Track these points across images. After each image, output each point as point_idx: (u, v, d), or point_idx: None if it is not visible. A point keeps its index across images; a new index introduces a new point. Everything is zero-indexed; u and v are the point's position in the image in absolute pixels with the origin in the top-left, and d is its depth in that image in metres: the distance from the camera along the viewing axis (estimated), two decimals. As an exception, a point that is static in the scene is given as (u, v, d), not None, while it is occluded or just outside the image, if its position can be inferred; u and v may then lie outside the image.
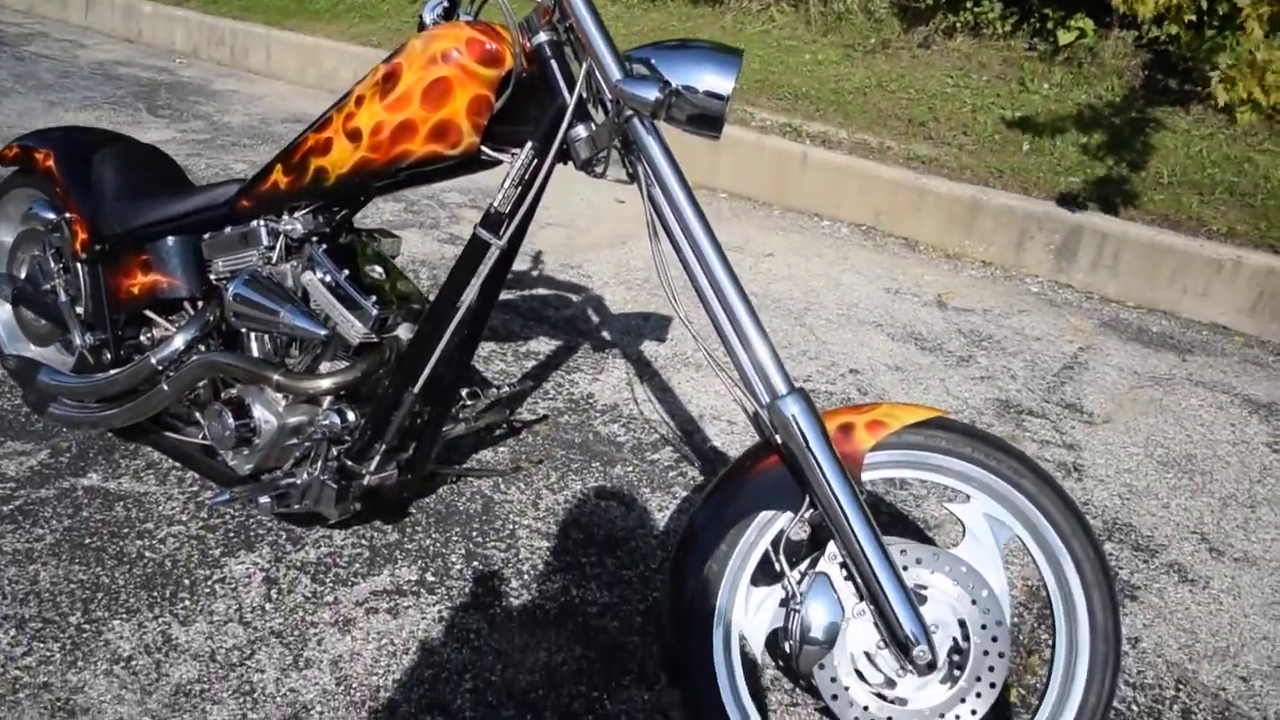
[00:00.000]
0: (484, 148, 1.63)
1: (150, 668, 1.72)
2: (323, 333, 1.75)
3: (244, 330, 1.91)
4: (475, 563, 2.05)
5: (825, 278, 3.85)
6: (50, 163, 2.17)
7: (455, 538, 2.11)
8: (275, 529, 2.09)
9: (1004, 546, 1.49)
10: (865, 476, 1.46)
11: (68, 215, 2.12)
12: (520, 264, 3.65)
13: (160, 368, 1.94)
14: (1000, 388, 3.08)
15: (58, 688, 1.66)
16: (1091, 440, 2.82)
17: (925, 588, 1.44)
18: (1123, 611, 2.12)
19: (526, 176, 1.60)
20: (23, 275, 2.34)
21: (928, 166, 4.41)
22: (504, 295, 3.34)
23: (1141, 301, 3.92)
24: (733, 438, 2.62)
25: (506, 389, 2.11)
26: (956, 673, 1.43)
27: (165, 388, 1.94)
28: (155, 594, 1.88)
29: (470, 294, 1.69)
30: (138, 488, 2.20)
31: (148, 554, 1.99)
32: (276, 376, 1.80)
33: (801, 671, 1.42)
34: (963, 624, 1.43)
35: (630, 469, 2.43)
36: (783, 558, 1.44)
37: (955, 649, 1.43)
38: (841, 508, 1.37)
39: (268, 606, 1.88)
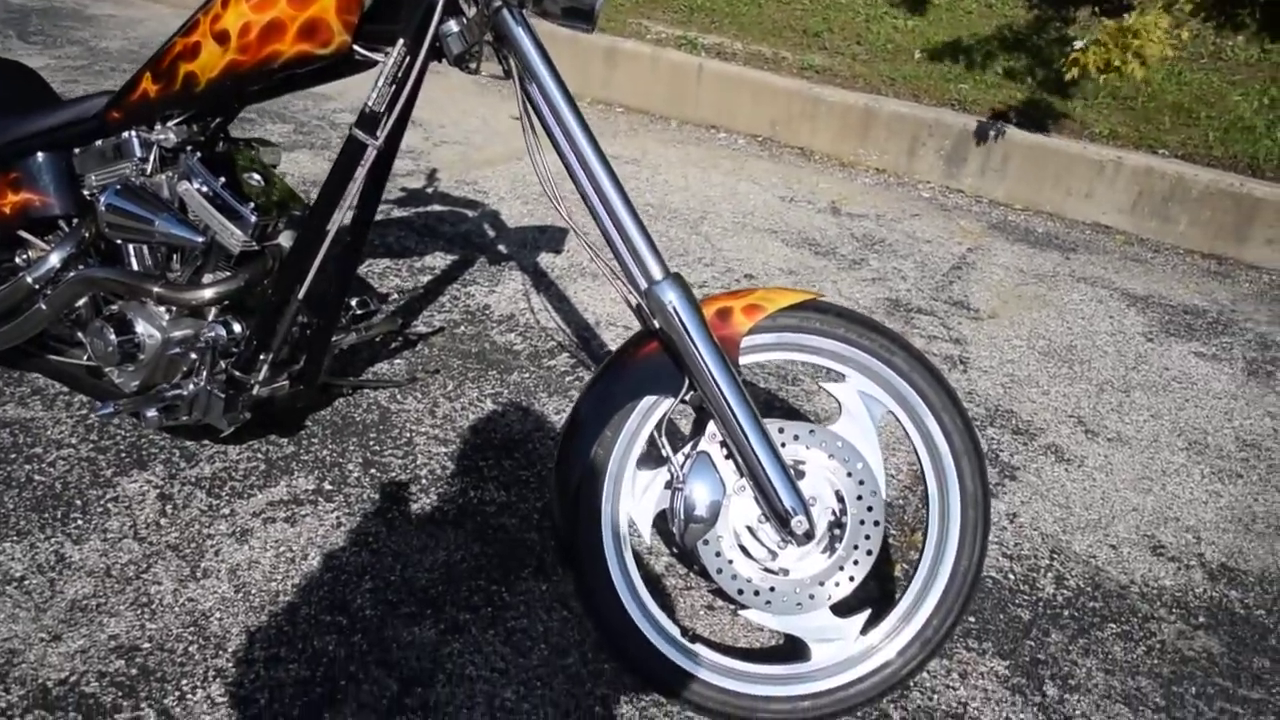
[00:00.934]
0: (356, 47, 1.60)
1: (44, 586, 1.70)
2: (200, 239, 1.72)
3: (122, 244, 1.86)
4: (373, 470, 2.06)
5: (722, 188, 3.88)
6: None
7: (352, 448, 2.12)
8: (168, 447, 2.07)
9: (878, 422, 1.56)
10: (743, 360, 1.51)
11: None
12: (415, 181, 3.60)
13: (37, 287, 1.89)
14: (891, 288, 3.17)
15: (-54, 610, 1.64)
16: (977, 334, 2.93)
17: (803, 463, 1.50)
18: (1003, 490, 2.23)
19: (400, 74, 1.58)
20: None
21: (822, 76, 4.45)
22: (398, 213, 3.30)
23: (1028, 204, 4.04)
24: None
25: (396, 297, 2.10)
26: (835, 542, 1.50)
27: (43, 307, 1.89)
28: (47, 515, 1.86)
29: (350, 197, 1.67)
30: (23, 414, 2.15)
31: (37, 478, 1.96)
32: (157, 289, 1.76)
33: (686, 548, 1.48)
34: (840, 495, 1.50)
35: (527, 375, 2.45)
36: (665, 440, 1.49)
37: (836, 523, 1.50)
38: (719, 389, 1.42)
39: (163, 522, 1.87)
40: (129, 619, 1.65)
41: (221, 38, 1.62)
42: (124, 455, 2.04)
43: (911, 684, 1.69)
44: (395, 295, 2.14)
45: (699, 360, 1.42)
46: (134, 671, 1.56)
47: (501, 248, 3.16)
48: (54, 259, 1.89)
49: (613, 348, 2.63)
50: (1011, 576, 1.98)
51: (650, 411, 1.51)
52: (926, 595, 1.54)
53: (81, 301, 1.94)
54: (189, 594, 1.71)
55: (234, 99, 1.79)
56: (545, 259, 3.10)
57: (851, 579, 1.51)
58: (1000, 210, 3.99)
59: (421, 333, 2.60)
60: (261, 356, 1.80)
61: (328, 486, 2.00)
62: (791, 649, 1.58)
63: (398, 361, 2.46)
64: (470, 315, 2.72)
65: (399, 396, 2.32)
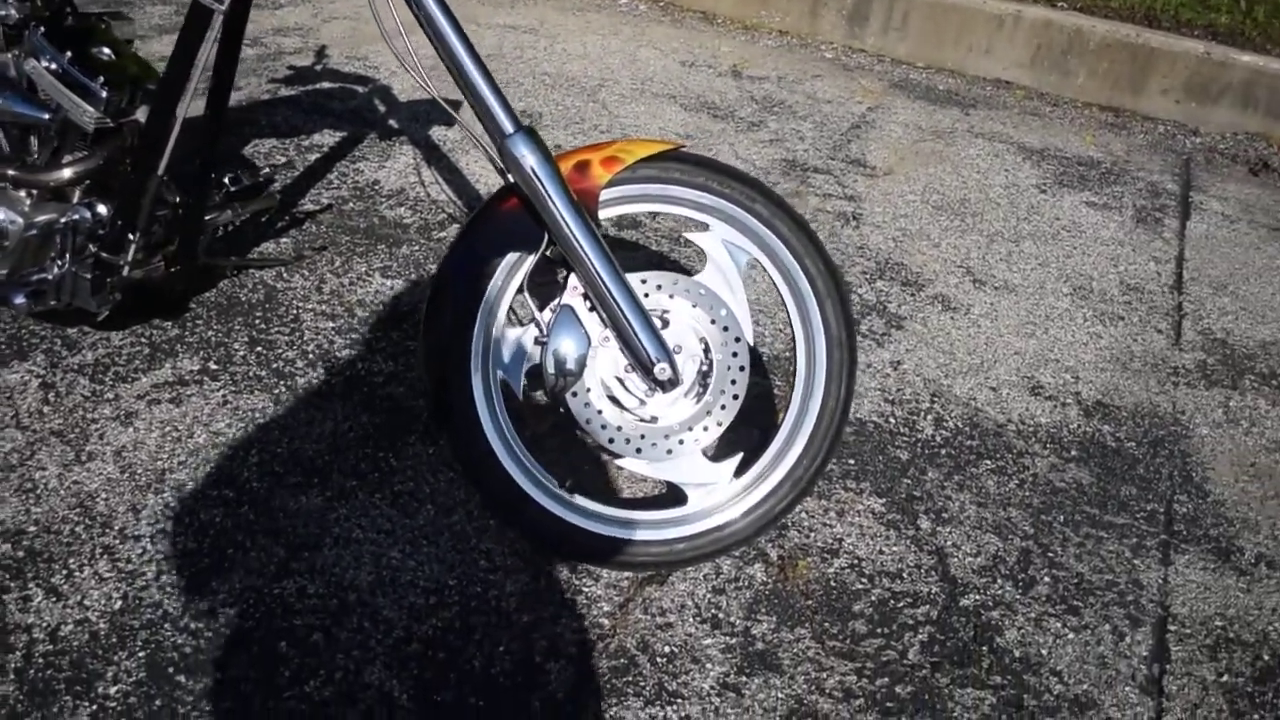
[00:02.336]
0: None
1: (-81, 477, 1.69)
2: (45, 117, 1.66)
3: None
4: (259, 349, 2.05)
5: (621, 54, 3.81)
6: None
7: (238, 327, 2.11)
8: (50, 337, 2.03)
9: (743, 270, 1.58)
10: (603, 212, 1.52)
11: None
12: (303, 59, 3.48)
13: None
14: (789, 149, 3.17)
15: None
16: (872, 191, 2.96)
17: (667, 312, 1.53)
18: (888, 340, 2.30)
19: None
20: None
21: (725, -65, 4.34)
22: (286, 91, 3.19)
23: (930, 62, 4.04)
24: (525, 214, 2.63)
25: (275, 174, 2.06)
26: (702, 389, 1.54)
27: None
28: (-81, 409, 1.83)
29: (199, 68, 1.62)
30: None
31: (-92, 372, 1.92)
32: (11, 171, 1.71)
33: (555, 400, 1.51)
34: (705, 343, 1.54)
35: (416, 248, 2.44)
36: (530, 296, 1.50)
37: (702, 370, 1.54)
38: (577, 241, 1.43)
39: (45, 410, 1.86)
40: (14, 505, 1.65)
41: None
42: (3, 346, 2.00)
43: (788, 523, 1.77)
44: (276, 172, 2.10)
45: (554, 213, 1.43)
46: (20, 554, 1.57)
47: (392, 123, 3.09)
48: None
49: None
50: (892, 420, 2.06)
51: (515, 268, 1.53)
52: (795, 437, 1.60)
53: None
54: (74, 477, 1.71)
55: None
56: (437, 132, 3.04)
57: (720, 424, 1.56)
58: (902, 69, 3.99)
59: (309, 210, 2.56)
60: (129, 237, 1.76)
61: (213, 366, 1.99)
62: (671, 497, 1.64)
63: (284, 240, 2.43)
64: (359, 191, 2.67)
65: (285, 275, 2.29)
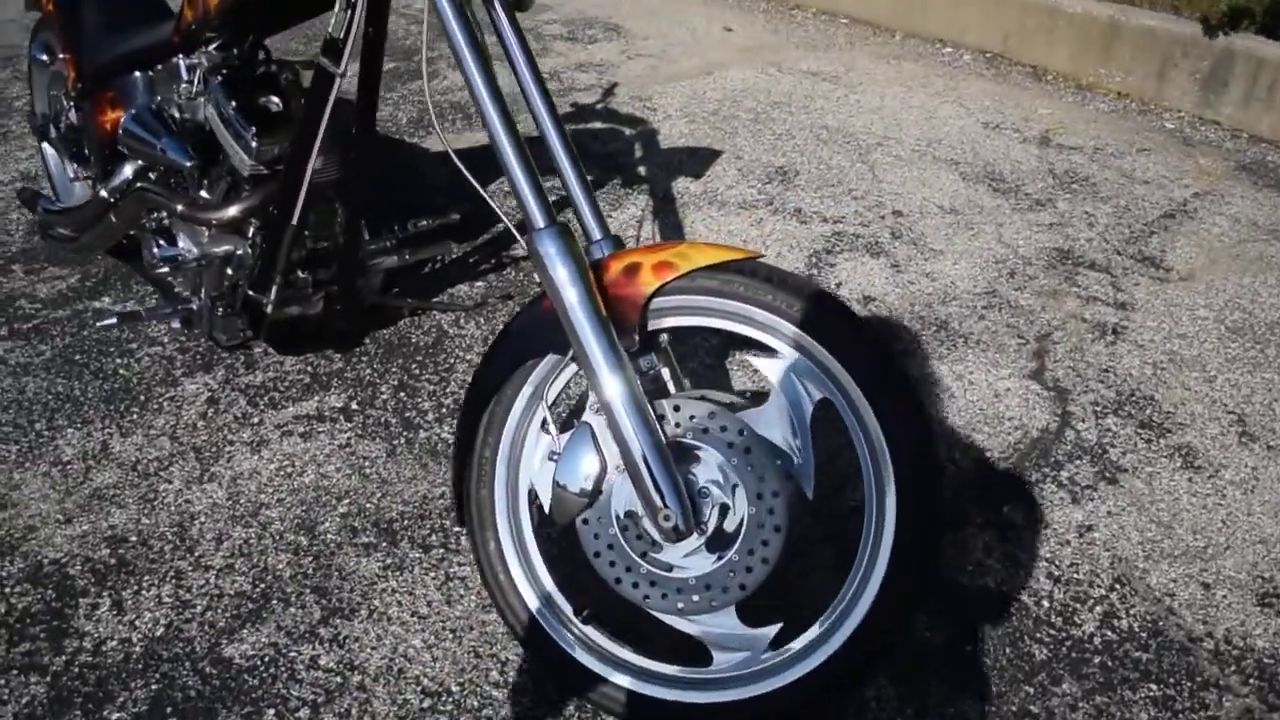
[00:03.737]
0: None
1: (80, 472, 1.90)
2: (189, 164, 1.80)
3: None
4: (401, 394, 2.09)
5: (920, 110, 3.49)
6: (49, 6, 2.28)
7: (394, 369, 2.16)
8: (240, 354, 2.21)
9: (810, 409, 1.34)
10: (653, 324, 1.36)
11: (61, 55, 2.25)
12: (588, 96, 3.55)
13: (111, 200, 2.06)
14: (1068, 236, 2.72)
15: (3, 484, 1.87)
16: (1152, 300, 2.46)
17: (699, 448, 1.33)
18: (1091, 495, 1.88)
19: None
20: (47, 113, 2.52)
21: (1076, -20, 3.84)
22: (554, 130, 3.26)
23: (1309, 140, 3.30)
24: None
25: (426, 222, 2.09)
26: (727, 544, 1.33)
27: (113, 219, 2.06)
28: (113, 407, 2.06)
29: (324, 124, 1.67)
30: (139, 309, 2.36)
31: (122, 371, 2.17)
32: (180, 206, 1.86)
33: (559, 524, 1.37)
34: (736, 490, 1.32)
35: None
36: (546, 408, 1.38)
37: (731, 522, 1.33)
38: (593, 357, 1.28)
39: (200, 424, 2.02)
40: (131, 512, 1.81)
41: None
42: (198, 358, 2.21)
43: None
44: (440, 218, 2.12)
45: (571, 322, 1.29)
46: (113, 561, 1.70)
47: (641, 169, 3.05)
48: (127, 172, 2.04)
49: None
50: (1045, 604, 1.67)
51: (547, 374, 1.41)
52: (843, 623, 1.33)
53: (159, 214, 2.09)
54: (188, 496, 1.84)
55: (252, 26, 1.81)
56: (681, 183, 2.96)
57: (743, 587, 1.33)
58: (1258, 149, 3.28)
59: (516, 256, 2.59)
60: (271, 276, 1.86)
61: (354, 406, 2.06)
62: (700, 650, 1.43)
63: (478, 284, 2.47)
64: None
65: (463, 321, 2.33)
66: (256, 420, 2.03)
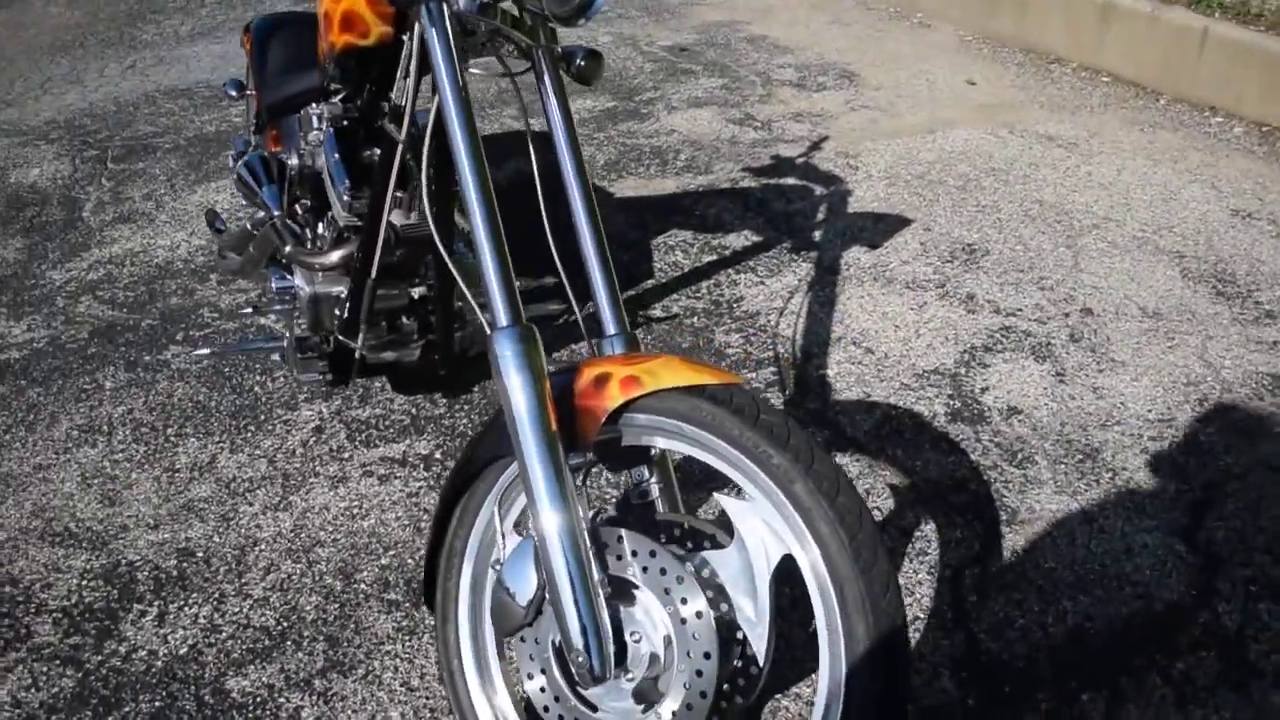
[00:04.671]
0: (404, 37, 1.60)
1: (183, 481, 2.06)
2: (276, 213, 1.88)
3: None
4: (481, 450, 2.09)
5: (1159, 189, 3.06)
6: (247, 45, 2.51)
7: (475, 420, 2.17)
8: (359, 385, 2.31)
9: (773, 564, 1.19)
10: (627, 441, 1.26)
11: (249, 92, 2.46)
12: (792, 149, 3.42)
13: (252, 230, 2.22)
14: (1296, 363, 2.28)
15: (120, 480, 2.06)
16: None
17: (636, 586, 1.22)
18: (1208, 701, 1.55)
19: (414, 65, 1.55)
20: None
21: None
22: (748, 181, 3.18)
23: None
24: (862, 369, 2.29)
25: (522, 283, 2.08)
26: (653, 698, 1.20)
27: (252, 249, 2.22)
28: (235, 422, 2.22)
29: (391, 185, 1.70)
30: (298, 331, 2.54)
31: (257, 389, 2.34)
32: (287, 248, 1.97)
33: (500, 635, 1.30)
34: (669, 641, 1.20)
35: (691, 386, 2.26)
36: (498, 512, 1.31)
37: (658, 673, 1.20)
38: (532, 473, 1.20)
39: (299, 451, 2.13)
40: (209, 528, 1.93)
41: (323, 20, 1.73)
42: (324, 385, 2.32)
43: None
44: (551, 281, 2.11)
45: (515, 433, 1.22)
46: (174, 574, 1.83)
47: (816, 234, 2.89)
48: (265, 211, 2.18)
49: (831, 373, 2.30)
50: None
51: (516, 476, 1.34)
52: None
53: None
54: (259, 522, 1.94)
55: (365, 79, 1.88)
56: (853, 254, 2.77)
57: (666, 745, 1.20)
58: None
59: (654, 316, 2.53)
60: (357, 323, 1.92)
61: (437, 455, 2.09)
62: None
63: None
64: (715, 306, 2.56)
65: (572, 379, 2.30)
66: (347, 456, 2.11)
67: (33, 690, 1.62)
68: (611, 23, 4.83)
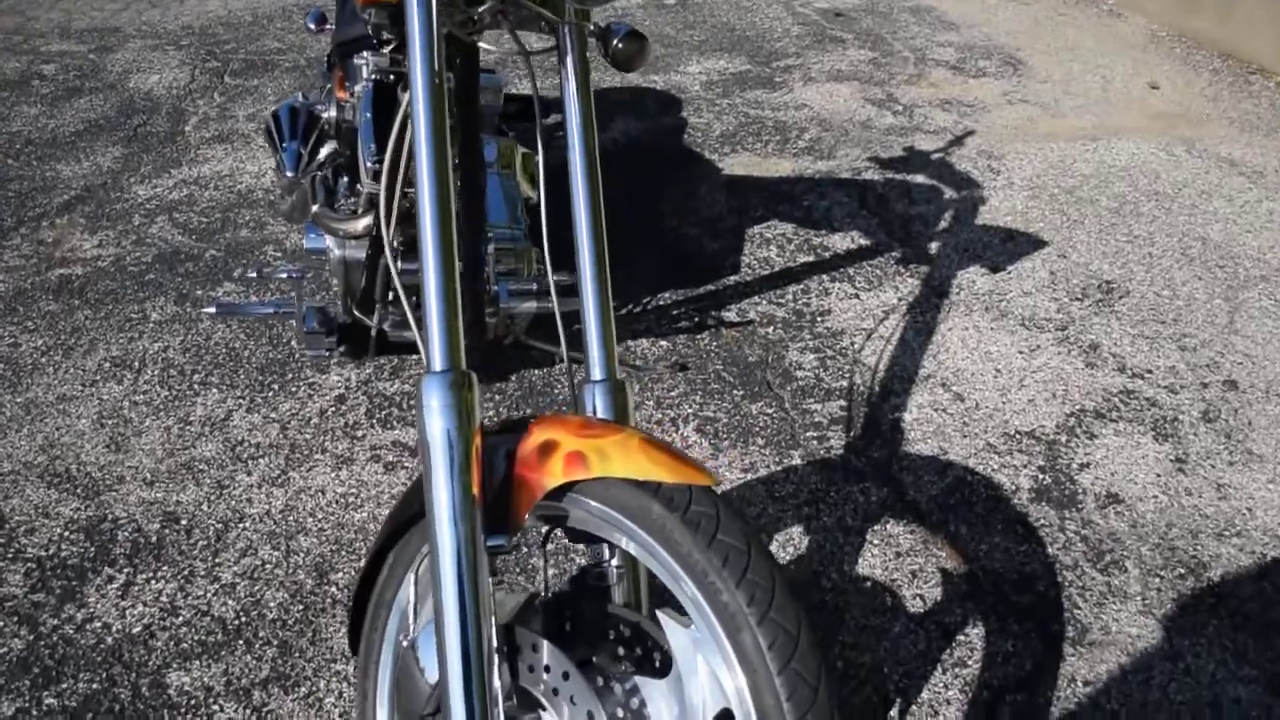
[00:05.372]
0: None
1: (192, 436, 1.96)
2: (290, 173, 1.72)
3: None
4: (499, 451, 1.92)
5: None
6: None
7: (503, 413, 2.00)
8: (395, 357, 2.17)
9: (710, 716, 0.97)
10: (568, 522, 1.06)
11: (328, 25, 2.33)
12: (928, 143, 3.07)
13: (300, 181, 2.07)
14: None
15: (133, 426, 1.99)
16: None
17: (544, 709, 1.02)
18: None
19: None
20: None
21: None
22: (869, 174, 2.87)
23: None
24: (945, 418, 2.00)
25: (565, 275, 1.88)
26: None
27: (295, 199, 2.07)
28: (259, 379, 2.11)
29: (404, 157, 1.51)
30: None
31: (292, 344, 2.22)
32: (314, 208, 1.82)
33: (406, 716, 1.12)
34: (574, 771, 0.99)
35: (772, 411, 2.01)
36: (414, 584, 1.13)
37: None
38: (438, 547, 1.01)
39: (315, 421, 2.00)
40: (200, 494, 1.83)
41: None
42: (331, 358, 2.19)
43: None
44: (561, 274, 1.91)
45: (429, 496, 1.02)
46: (153, 540, 1.74)
47: (932, 246, 2.56)
48: (320, 157, 2.04)
49: (908, 417, 2.01)
50: None
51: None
52: None
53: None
54: (253, 496, 1.83)
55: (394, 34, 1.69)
56: (969, 275, 2.44)
57: None
58: None
59: (726, 319, 2.29)
60: (373, 299, 1.77)
61: (452, 448, 1.92)
62: None
63: (663, 343, 2.21)
64: (796, 316, 2.30)
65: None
66: (360, 434, 1.97)
67: (-20, 647, 1.56)
68: (768, -24, 4.50)
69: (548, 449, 1.04)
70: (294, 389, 2.08)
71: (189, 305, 2.33)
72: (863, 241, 2.57)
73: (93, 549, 1.72)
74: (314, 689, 1.49)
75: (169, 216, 2.69)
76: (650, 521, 0.98)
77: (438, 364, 1.05)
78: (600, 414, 1.17)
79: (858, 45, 3.81)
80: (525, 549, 1.71)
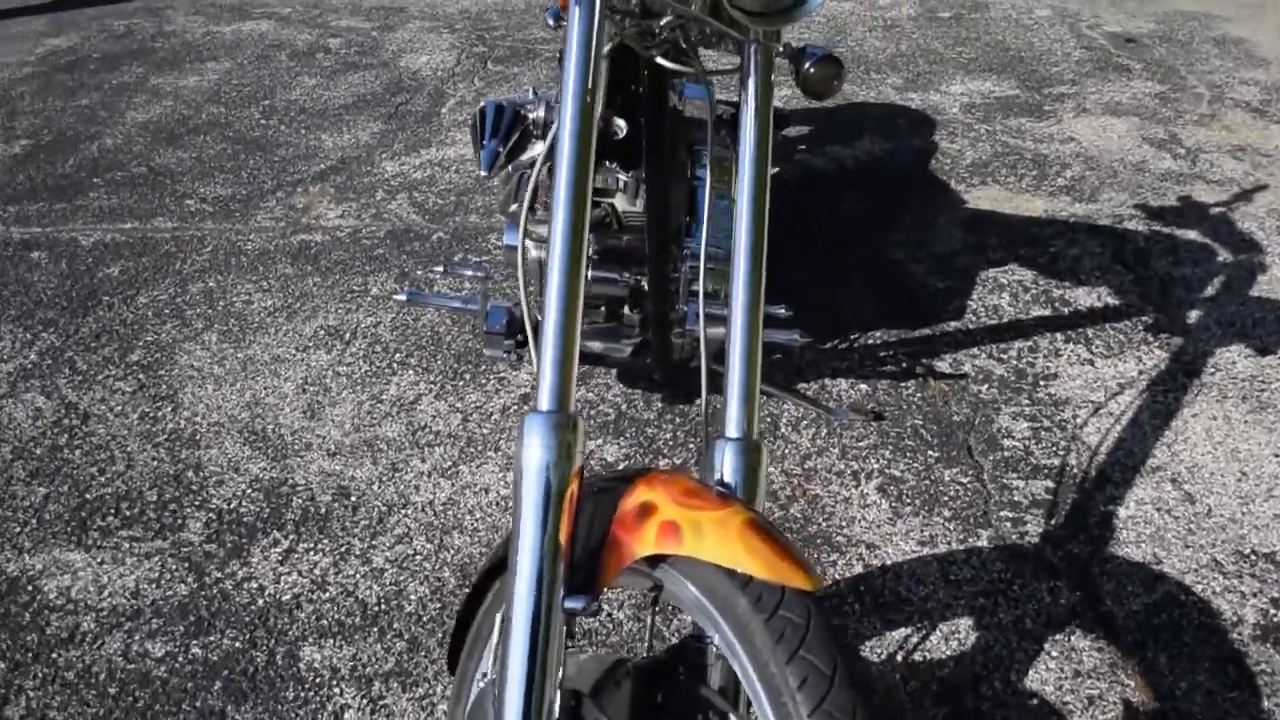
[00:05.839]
0: None
1: (380, 415, 2.03)
2: (484, 171, 1.71)
3: None
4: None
5: None
6: None
7: (678, 435, 1.92)
8: (581, 365, 2.15)
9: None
10: (661, 595, 0.98)
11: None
12: (1210, 192, 2.70)
13: (513, 174, 2.08)
14: None
15: (331, 396, 2.08)
16: None
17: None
18: None
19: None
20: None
21: None
22: (1131, 225, 2.56)
23: None
24: (1168, 520, 1.74)
25: (786, 312, 1.78)
26: None
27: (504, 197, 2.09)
28: (454, 366, 2.15)
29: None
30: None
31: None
32: (512, 206, 1.82)
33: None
34: None
35: (967, 480, 1.83)
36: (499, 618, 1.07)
37: None
38: (513, 603, 0.95)
39: (496, 417, 2.02)
40: (375, 473, 1.89)
41: None
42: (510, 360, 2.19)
43: None
44: (783, 312, 1.78)
45: (514, 542, 0.96)
46: (323, 511, 1.81)
47: (1192, 315, 2.24)
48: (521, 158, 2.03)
49: (1123, 514, 1.77)
50: None
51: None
52: None
53: None
54: (420, 484, 1.87)
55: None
56: (1228, 355, 2.12)
57: None
58: None
59: (936, 370, 2.10)
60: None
61: (620, 466, 1.88)
62: None
63: (861, 387, 2.06)
64: (1016, 376, 2.07)
65: (811, 421, 1.97)
66: (477, 450, 1.95)
67: (153, 586, 1.67)
68: (1061, -7, 4.14)
69: (646, 511, 0.96)
70: (483, 381, 2.11)
71: (406, 284, 2.41)
72: (1110, 300, 2.29)
73: (267, 510, 1.81)
74: (430, 692, 1.49)
75: (409, 195, 2.81)
76: (735, 616, 0.88)
77: (544, 404, 0.99)
78: (726, 476, 1.07)
79: (1145, 76, 3.43)
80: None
